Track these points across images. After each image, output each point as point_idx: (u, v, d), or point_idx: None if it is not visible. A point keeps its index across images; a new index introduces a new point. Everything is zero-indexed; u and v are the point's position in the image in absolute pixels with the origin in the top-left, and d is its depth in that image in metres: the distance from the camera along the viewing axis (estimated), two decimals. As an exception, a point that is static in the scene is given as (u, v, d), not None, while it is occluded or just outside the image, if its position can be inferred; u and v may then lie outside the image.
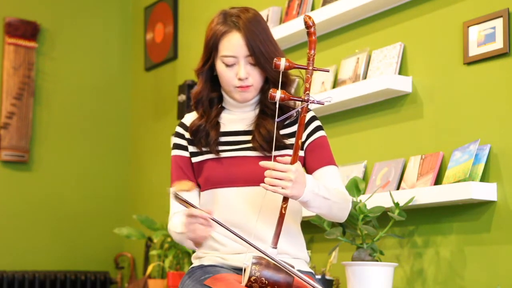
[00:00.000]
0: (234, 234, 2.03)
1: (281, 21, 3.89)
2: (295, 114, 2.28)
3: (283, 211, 2.02)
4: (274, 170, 2.00)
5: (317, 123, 2.32)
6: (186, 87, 4.62)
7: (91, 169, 5.28)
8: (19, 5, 5.16)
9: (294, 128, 2.30)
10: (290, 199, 2.04)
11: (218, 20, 2.27)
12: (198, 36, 4.60)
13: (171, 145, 2.40)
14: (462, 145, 2.87)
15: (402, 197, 2.93)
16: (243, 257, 2.15)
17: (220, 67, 2.27)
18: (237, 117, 2.33)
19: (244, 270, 2.06)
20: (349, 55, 3.47)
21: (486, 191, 2.75)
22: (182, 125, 2.38)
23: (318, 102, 2.02)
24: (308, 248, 2.46)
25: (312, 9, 3.70)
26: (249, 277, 2.00)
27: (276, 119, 2.08)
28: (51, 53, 5.23)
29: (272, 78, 2.26)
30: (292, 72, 2.25)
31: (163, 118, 5.03)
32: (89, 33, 5.38)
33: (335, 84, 3.52)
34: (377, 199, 2.98)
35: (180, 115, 4.67)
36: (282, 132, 2.29)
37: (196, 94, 2.35)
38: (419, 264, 3.04)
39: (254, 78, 2.26)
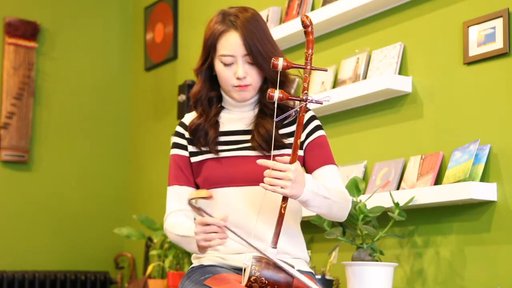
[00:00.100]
0: (247, 242, 2.03)
1: (281, 21, 3.89)
2: (294, 114, 2.28)
3: (283, 211, 2.02)
4: (273, 169, 2.00)
5: (316, 122, 2.32)
6: (186, 87, 4.62)
7: (91, 169, 5.28)
8: (19, 5, 5.16)
9: (293, 128, 2.30)
10: (289, 199, 2.03)
11: (217, 19, 2.28)
12: (198, 36, 4.59)
13: (171, 145, 2.40)
14: (462, 145, 2.87)
15: (402, 197, 2.93)
16: (243, 257, 2.15)
17: (218, 66, 2.28)
18: (236, 117, 2.34)
19: (244, 270, 2.06)
20: (349, 55, 3.46)
21: (486, 191, 2.75)
22: (182, 125, 2.38)
23: (317, 102, 2.02)
24: (308, 248, 2.46)
25: (312, 9, 3.70)
26: (249, 277, 2.00)
27: (275, 119, 2.08)
28: (51, 53, 5.23)
29: (270, 77, 2.26)
30: (291, 71, 2.25)
31: (163, 118, 5.03)
32: (89, 33, 5.38)
33: (335, 84, 3.51)
34: (377, 199, 2.98)
35: (180, 115, 4.67)
36: (281, 131, 2.29)
37: (195, 93, 2.35)
38: (419, 264, 3.04)
39: (252, 77, 2.26)
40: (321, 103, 2.02)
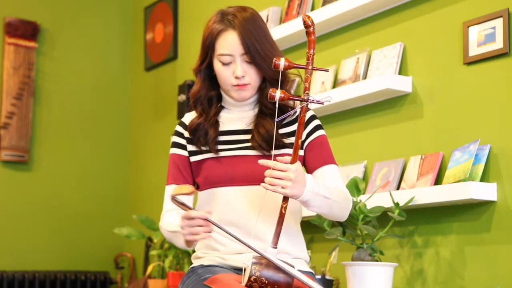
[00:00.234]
0: (232, 235, 2.03)
1: (281, 21, 3.89)
2: (293, 113, 2.28)
3: (283, 211, 2.02)
4: (274, 169, 2.00)
5: (316, 122, 2.32)
6: (186, 87, 4.62)
7: (91, 169, 5.28)
8: (19, 5, 5.17)
9: (293, 127, 2.30)
10: (290, 199, 2.04)
11: (215, 19, 2.28)
12: (198, 36, 4.58)
13: (170, 144, 2.41)
14: (462, 145, 2.87)
15: (402, 197, 2.93)
16: (243, 257, 2.15)
17: (217, 65, 2.28)
18: (236, 116, 2.34)
19: (244, 270, 2.06)
20: (349, 55, 3.47)
21: (486, 191, 2.75)
22: (182, 124, 2.38)
23: (318, 102, 2.02)
24: (308, 248, 2.46)
25: (312, 9, 3.70)
26: (249, 277, 2.00)
27: (276, 119, 2.08)
28: (51, 53, 5.23)
29: (268, 77, 2.26)
30: (291, 71, 2.25)
31: (163, 118, 5.03)
32: (89, 33, 5.38)
33: (335, 84, 3.51)
34: (377, 199, 2.98)
35: (180, 115, 4.67)
36: (281, 131, 2.29)
37: (194, 93, 2.36)
38: (419, 264, 3.04)
39: (251, 76, 2.26)
40: (322, 103, 2.02)
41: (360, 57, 3.37)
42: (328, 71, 2.10)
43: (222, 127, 2.32)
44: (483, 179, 2.79)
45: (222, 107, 2.37)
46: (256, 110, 2.33)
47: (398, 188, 3.09)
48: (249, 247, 2.01)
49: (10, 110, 5.02)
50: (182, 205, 2.03)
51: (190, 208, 2.04)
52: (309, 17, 2.00)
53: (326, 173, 2.26)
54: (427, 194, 2.88)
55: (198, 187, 2.36)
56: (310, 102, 2.00)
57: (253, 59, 2.24)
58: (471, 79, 2.91)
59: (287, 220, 2.21)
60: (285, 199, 2.03)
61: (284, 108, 2.26)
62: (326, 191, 2.11)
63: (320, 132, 2.31)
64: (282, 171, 1.99)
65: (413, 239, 3.08)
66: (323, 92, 3.50)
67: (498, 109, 2.80)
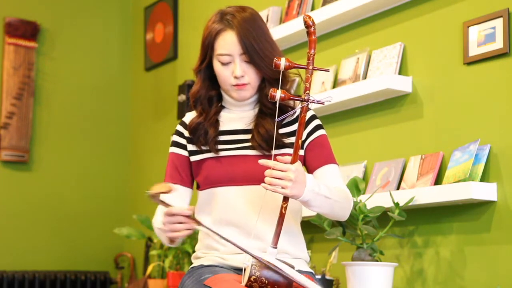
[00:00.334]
0: (214, 232, 2.03)
1: (281, 21, 3.89)
2: (294, 114, 2.28)
3: (283, 211, 2.02)
4: (274, 169, 2.00)
5: (317, 122, 2.32)
6: (186, 87, 4.62)
7: (91, 169, 5.28)
8: (19, 5, 5.16)
9: (293, 127, 2.30)
10: (290, 199, 2.03)
11: (215, 19, 2.29)
12: (198, 36, 4.57)
13: (170, 142, 2.41)
14: (462, 145, 2.87)
15: (402, 197, 2.93)
16: (243, 257, 2.15)
17: (216, 65, 2.28)
18: (236, 116, 2.34)
19: (244, 270, 2.06)
20: (349, 55, 3.47)
21: (486, 191, 2.75)
22: (182, 124, 2.39)
23: (318, 102, 2.02)
24: (308, 248, 2.46)
25: (312, 9, 3.70)
26: (249, 277, 2.00)
27: (277, 119, 2.08)
28: (51, 53, 5.23)
29: (268, 76, 2.26)
30: (291, 71, 2.25)
31: (163, 118, 5.03)
32: (89, 33, 5.38)
33: (335, 84, 3.52)
34: (377, 199, 2.98)
35: (180, 115, 4.67)
36: (281, 131, 2.29)
37: (194, 93, 2.36)
38: (419, 264, 3.04)
39: (250, 76, 2.26)
40: (323, 103, 2.02)
41: (360, 57, 3.37)
42: (328, 71, 2.10)
43: (222, 127, 2.33)
44: (483, 179, 2.79)
45: (222, 107, 2.37)
46: (256, 110, 2.33)
47: (398, 188, 3.09)
48: (235, 245, 2.01)
49: (10, 110, 5.02)
50: (162, 203, 2.04)
51: (170, 206, 2.04)
52: (310, 17, 2.00)
53: (327, 172, 2.26)
54: (427, 194, 2.88)
55: (198, 187, 2.36)
56: (310, 102, 2.00)
57: (252, 58, 2.24)
58: (471, 79, 2.91)
59: (287, 220, 2.21)
60: (285, 199, 2.02)
61: (284, 108, 2.26)
62: (327, 190, 2.11)
63: (320, 132, 2.31)
64: (282, 171, 1.99)
65: (413, 239, 3.08)
66: (323, 92, 3.50)
67: (498, 109, 2.80)
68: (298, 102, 2.01)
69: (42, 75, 5.18)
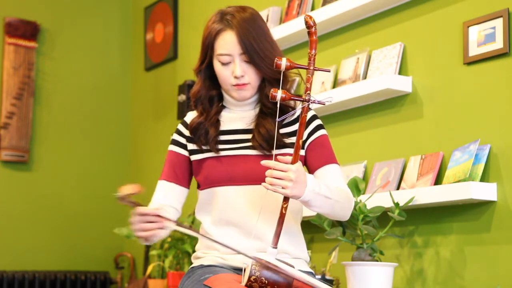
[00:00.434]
0: (186, 228, 2.04)
1: (281, 21, 3.89)
2: (295, 114, 2.28)
3: (284, 211, 2.02)
4: (274, 169, 2.00)
5: (318, 122, 2.32)
6: (186, 87, 4.62)
7: (91, 169, 5.28)
8: (19, 5, 5.17)
9: (293, 127, 2.30)
10: (291, 199, 2.03)
11: (215, 19, 2.29)
12: (198, 36, 4.57)
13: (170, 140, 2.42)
14: (462, 145, 2.87)
15: (402, 197, 2.93)
16: (243, 257, 2.15)
17: (216, 65, 2.28)
18: (237, 116, 2.34)
19: (244, 270, 2.06)
20: (349, 55, 3.47)
21: (486, 191, 2.75)
22: (184, 123, 2.39)
23: (319, 102, 2.02)
24: (308, 248, 2.46)
25: (312, 9, 3.70)
26: (249, 277, 2.00)
27: (277, 119, 2.08)
28: (51, 53, 5.23)
29: (267, 76, 2.26)
30: (291, 71, 2.25)
31: (163, 118, 5.03)
32: (89, 33, 5.38)
33: (335, 84, 3.52)
34: (377, 199, 2.98)
35: (180, 115, 4.68)
36: (282, 131, 2.29)
37: (195, 93, 2.36)
38: (419, 264, 3.04)
39: (250, 76, 2.26)
40: (324, 104, 2.02)
41: (360, 57, 3.37)
42: (329, 71, 2.09)
43: (222, 127, 2.33)
44: (483, 179, 2.79)
45: (223, 107, 2.37)
46: (257, 109, 2.33)
47: (398, 188, 3.09)
48: (218, 243, 2.02)
49: (10, 110, 5.02)
50: (131, 203, 2.05)
51: (140, 205, 2.05)
52: (311, 17, 2.00)
53: (328, 172, 2.26)
54: (427, 194, 2.88)
55: (199, 186, 2.37)
56: (311, 103, 2.00)
57: (252, 58, 2.24)
58: (471, 79, 2.91)
59: (288, 220, 2.21)
60: (286, 199, 2.02)
61: (285, 108, 2.26)
62: (328, 191, 2.11)
63: (321, 132, 2.31)
64: (282, 171, 1.99)
65: (413, 239, 3.08)
66: (323, 92, 3.50)
67: (498, 109, 2.80)
68: (299, 102, 2.01)
69: (42, 75, 5.18)
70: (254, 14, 2.29)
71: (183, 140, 2.37)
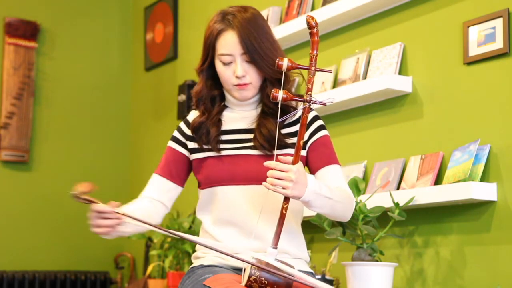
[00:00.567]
0: (144, 223, 2.05)
1: (281, 21, 3.89)
2: (296, 114, 2.29)
3: (284, 211, 2.02)
4: (275, 170, 2.00)
5: (319, 122, 2.32)
6: (186, 87, 4.62)
7: (91, 169, 5.28)
8: (19, 5, 5.17)
9: (295, 128, 2.30)
10: (291, 199, 2.03)
11: (216, 19, 2.29)
12: (198, 36, 4.59)
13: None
14: (462, 145, 2.87)
15: (402, 197, 2.93)
16: (243, 257, 2.15)
17: (218, 65, 2.28)
18: (238, 115, 2.34)
19: (244, 270, 2.06)
20: (349, 55, 3.47)
21: (486, 191, 2.75)
22: (186, 121, 2.39)
23: (320, 103, 2.02)
24: (308, 248, 2.46)
25: (312, 9, 3.70)
26: (249, 277, 2.00)
27: (278, 119, 2.08)
28: (51, 53, 5.23)
29: (269, 76, 2.26)
30: (293, 71, 2.25)
31: (163, 118, 5.03)
32: (89, 33, 5.38)
33: (335, 84, 3.51)
34: (377, 199, 2.98)
35: (180, 115, 4.68)
36: (283, 131, 2.29)
37: (197, 93, 2.36)
38: (419, 264, 3.04)
39: (252, 76, 2.26)
40: (325, 104, 2.02)
41: (360, 57, 3.37)
42: (331, 72, 2.09)
43: (224, 126, 2.33)
44: (483, 179, 2.79)
45: (225, 106, 2.37)
46: (259, 109, 2.33)
47: (398, 188, 3.09)
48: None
49: (10, 110, 5.02)
50: (86, 200, 2.09)
51: (95, 202, 2.10)
52: (312, 17, 2.00)
53: (329, 173, 2.26)
54: (427, 194, 2.88)
55: (199, 185, 2.37)
56: (312, 103, 2.00)
57: (253, 58, 2.24)
58: (471, 79, 2.91)
59: (288, 221, 2.21)
60: (286, 199, 2.02)
61: (286, 108, 2.26)
62: (328, 191, 2.11)
63: (323, 133, 2.31)
64: (283, 171, 1.99)
65: (413, 239, 3.08)
66: (323, 92, 3.50)
67: (498, 109, 2.80)
68: (300, 102, 2.01)
69: (42, 75, 5.18)
70: (256, 14, 2.29)
71: (182, 138, 2.37)
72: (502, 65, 2.79)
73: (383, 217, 3.00)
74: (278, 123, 2.17)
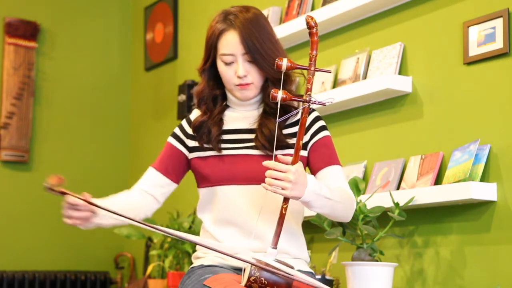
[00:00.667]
0: (119, 215, 2.07)
1: (281, 21, 3.89)
2: (297, 114, 2.29)
3: (284, 212, 2.02)
4: (274, 170, 2.00)
5: (321, 123, 2.32)
6: (186, 87, 4.62)
7: (91, 169, 5.28)
8: (19, 5, 5.17)
9: (297, 128, 2.30)
10: (291, 200, 2.03)
11: (218, 19, 2.29)
12: (198, 36, 4.60)
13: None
14: (462, 145, 2.87)
15: (402, 197, 2.93)
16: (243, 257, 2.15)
17: (220, 65, 2.28)
18: (240, 115, 2.34)
19: (244, 270, 2.06)
20: (349, 55, 3.47)
21: (486, 191, 2.75)
22: (188, 120, 2.40)
23: (320, 103, 2.02)
24: (308, 248, 2.46)
25: (312, 9, 3.70)
26: (249, 277, 2.00)
27: (278, 119, 2.08)
28: (51, 53, 5.23)
29: (270, 76, 2.27)
30: (294, 71, 2.25)
31: (163, 118, 5.03)
32: (89, 33, 5.38)
33: (335, 84, 3.52)
34: (377, 199, 2.98)
35: (180, 115, 4.68)
36: (285, 131, 2.29)
37: (198, 92, 2.37)
38: (419, 264, 3.04)
39: (253, 76, 2.26)
40: (324, 105, 2.02)
41: (360, 57, 3.37)
42: (330, 72, 2.09)
43: (225, 126, 2.33)
44: (483, 179, 2.79)
45: (227, 106, 2.37)
46: (261, 109, 2.33)
47: (398, 188, 3.09)
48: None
49: (10, 110, 5.02)
50: (59, 192, 2.12)
51: (69, 194, 2.15)
52: (312, 18, 2.00)
53: (330, 173, 2.26)
54: (427, 194, 2.88)
55: (198, 185, 2.37)
56: (312, 103, 2.00)
57: (254, 58, 2.24)
58: (471, 79, 2.91)
59: (288, 221, 2.21)
60: (286, 199, 2.02)
61: (288, 108, 2.26)
62: (328, 191, 2.11)
63: (324, 133, 2.31)
64: (282, 172, 1.99)
65: (413, 239, 3.08)
66: (323, 92, 3.50)
67: (498, 109, 2.80)
68: (300, 103, 2.01)
69: (42, 75, 5.18)
70: (258, 14, 2.29)
71: (182, 136, 2.38)
72: (502, 65, 2.79)
73: (383, 217, 3.00)
74: (277, 123, 2.17)
